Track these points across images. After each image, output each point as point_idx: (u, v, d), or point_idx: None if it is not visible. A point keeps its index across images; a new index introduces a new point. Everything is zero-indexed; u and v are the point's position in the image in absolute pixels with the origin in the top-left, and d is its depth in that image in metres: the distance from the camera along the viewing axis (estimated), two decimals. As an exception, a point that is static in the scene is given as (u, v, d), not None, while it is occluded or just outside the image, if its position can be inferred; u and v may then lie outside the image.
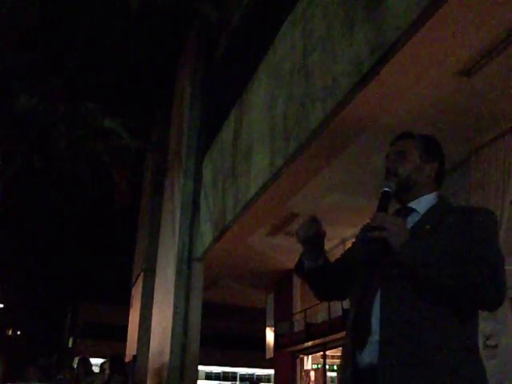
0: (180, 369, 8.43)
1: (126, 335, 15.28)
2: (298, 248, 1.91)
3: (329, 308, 11.12)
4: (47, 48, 9.82)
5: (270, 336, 14.61)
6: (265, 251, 11.38)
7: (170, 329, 8.75)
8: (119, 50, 10.10)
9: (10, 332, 38.74)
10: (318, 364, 13.14)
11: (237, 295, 15.88)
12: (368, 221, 1.70)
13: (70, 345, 33.95)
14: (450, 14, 3.63)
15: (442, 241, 1.62)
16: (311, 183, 6.99)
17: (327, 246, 1.92)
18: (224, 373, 29.04)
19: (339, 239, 9.86)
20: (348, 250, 2.00)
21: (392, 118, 5.32)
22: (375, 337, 1.59)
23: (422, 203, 1.78)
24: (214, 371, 28.66)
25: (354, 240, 2.00)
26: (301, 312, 12.78)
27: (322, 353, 12.42)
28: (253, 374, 28.66)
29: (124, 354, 13.59)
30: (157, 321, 10.54)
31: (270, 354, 14.67)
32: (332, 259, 1.97)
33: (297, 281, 12.41)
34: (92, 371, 8.47)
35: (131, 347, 13.55)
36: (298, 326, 12.91)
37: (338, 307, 10.35)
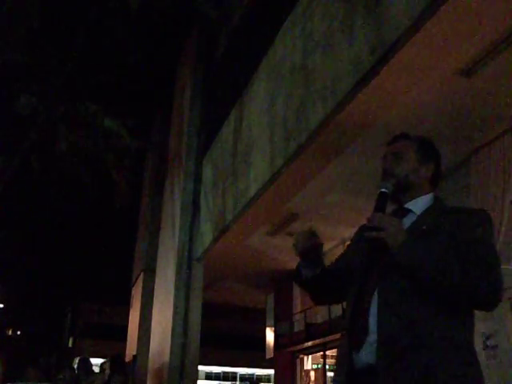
0: (180, 369, 8.42)
1: (126, 335, 15.27)
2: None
3: (329, 308, 11.12)
4: (47, 48, 9.81)
5: (270, 336, 14.62)
6: (265, 251, 11.37)
7: (169, 329, 8.74)
8: (119, 49, 10.09)
9: (10, 332, 38.71)
10: (317, 364, 13.16)
11: (237, 295, 15.87)
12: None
13: (70, 345, 33.92)
14: (449, 14, 3.63)
15: (439, 241, 1.63)
16: (311, 183, 6.99)
17: (327, 246, 1.93)
18: (224, 373, 28.99)
19: (339, 239, 9.84)
20: (343, 253, 2.01)
21: (392, 118, 5.32)
22: (373, 337, 1.59)
23: (419, 204, 1.79)
24: (214, 371, 28.61)
25: (349, 243, 2.02)
26: (301, 312, 12.79)
27: (321, 353, 12.43)
28: (253, 374, 28.61)
29: (124, 354, 13.59)
30: (157, 321, 10.53)
31: (270, 354, 14.68)
32: (332, 259, 1.97)
33: (297, 281, 12.39)
34: (92, 371, 8.48)
35: (131, 347, 13.55)
36: (298, 326, 12.91)
37: (338, 307, 10.33)
